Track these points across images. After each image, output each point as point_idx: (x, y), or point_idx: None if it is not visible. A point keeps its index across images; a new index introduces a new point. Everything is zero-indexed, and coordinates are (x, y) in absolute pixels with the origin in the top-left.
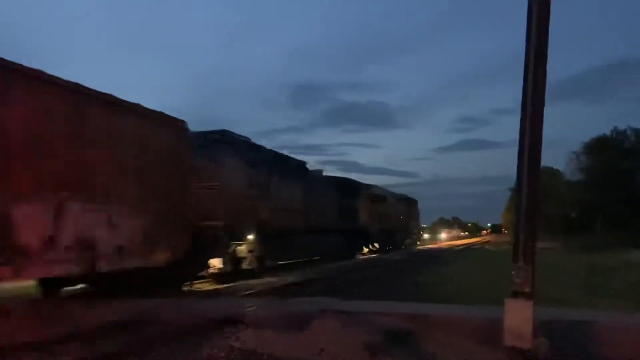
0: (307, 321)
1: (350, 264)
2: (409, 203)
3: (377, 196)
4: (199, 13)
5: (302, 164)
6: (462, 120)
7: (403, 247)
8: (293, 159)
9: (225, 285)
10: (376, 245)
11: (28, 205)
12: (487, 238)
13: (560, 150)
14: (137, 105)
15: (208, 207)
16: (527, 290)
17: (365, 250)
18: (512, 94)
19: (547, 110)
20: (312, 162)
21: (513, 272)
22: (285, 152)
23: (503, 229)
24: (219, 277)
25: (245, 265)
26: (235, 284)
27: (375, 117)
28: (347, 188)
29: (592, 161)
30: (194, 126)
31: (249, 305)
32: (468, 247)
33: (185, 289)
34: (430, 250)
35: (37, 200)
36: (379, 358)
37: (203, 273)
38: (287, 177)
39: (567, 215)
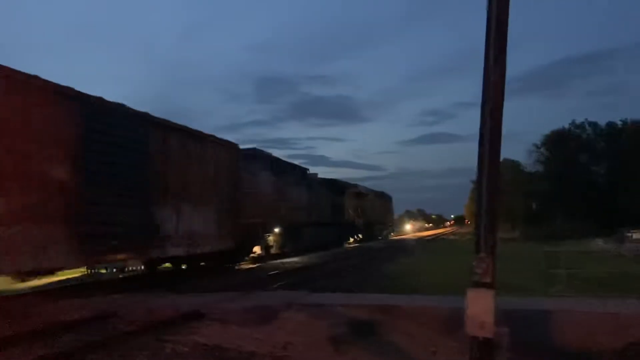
0: (273, 315)
1: (342, 251)
2: (385, 199)
3: (359, 194)
4: (160, 4)
5: (305, 170)
6: (426, 114)
7: (380, 237)
8: (299, 167)
9: (258, 264)
10: (360, 235)
11: (166, 209)
12: (451, 229)
13: (521, 142)
14: (212, 135)
15: (250, 208)
16: (488, 280)
17: (352, 240)
18: (475, 87)
19: (508, 104)
20: (279, 156)
21: (474, 263)
22: (252, 146)
23: (466, 221)
24: (255, 259)
25: (273, 251)
26: (265, 263)
27: (341, 111)
28: (335, 188)
29: (551, 154)
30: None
31: (215, 300)
32: (435, 237)
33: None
34: (403, 240)
35: (170, 205)
36: (343, 350)
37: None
38: (296, 182)
39: (528, 206)
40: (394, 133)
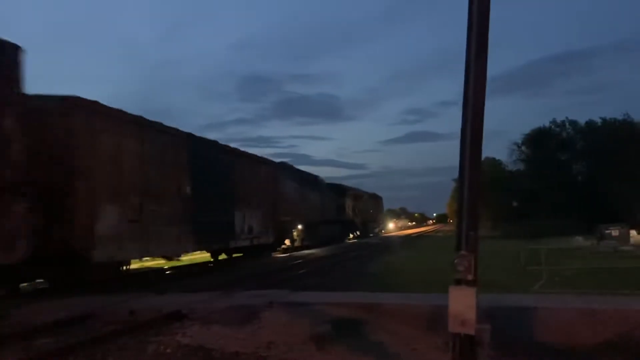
0: (255, 314)
1: (346, 245)
2: (377, 200)
3: (356, 196)
4: (141, 3)
5: (316, 177)
6: (409, 112)
7: (371, 234)
8: (312, 174)
9: (287, 254)
10: (358, 232)
11: (237, 214)
12: (434, 227)
13: (502, 141)
14: (262, 157)
15: (282, 210)
16: (470, 277)
17: (351, 236)
18: (456, 86)
19: (490, 103)
20: (262, 154)
21: (456, 261)
22: (234, 145)
23: (448, 219)
24: (284, 249)
25: (296, 244)
26: (291, 254)
27: (325, 109)
28: (338, 191)
29: (532, 152)
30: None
31: (197, 300)
32: (420, 235)
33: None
34: (393, 236)
35: (239, 210)
36: (326, 348)
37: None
38: (311, 188)
39: (508, 204)
40: (377, 132)
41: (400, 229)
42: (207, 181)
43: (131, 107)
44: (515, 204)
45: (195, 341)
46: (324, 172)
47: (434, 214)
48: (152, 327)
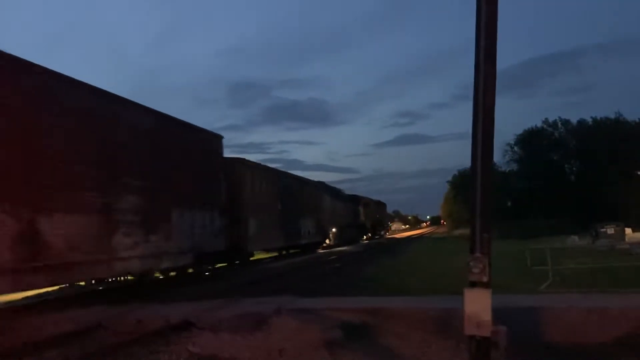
0: (264, 321)
1: (362, 244)
2: (382, 206)
3: (366, 203)
4: (131, 11)
5: (339, 189)
6: (400, 115)
7: (377, 237)
8: (336, 188)
9: (325, 250)
10: (369, 234)
11: (301, 221)
12: (429, 229)
13: (495, 142)
14: (309, 179)
15: (324, 217)
16: (484, 279)
17: (365, 237)
18: (447, 88)
19: None
20: (253, 160)
21: (470, 263)
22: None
23: (442, 221)
24: (324, 247)
25: (331, 243)
26: (326, 250)
27: (315, 114)
28: (354, 200)
29: (524, 152)
30: None
31: (203, 308)
32: (420, 236)
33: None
34: (396, 238)
35: (302, 218)
36: (338, 354)
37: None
38: (338, 198)
39: (503, 205)
40: (368, 135)
41: (395, 232)
42: (288, 201)
43: None
44: (509, 204)
45: (206, 350)
46: (315, 177)
47: (428, 217)
48: (162, 336)
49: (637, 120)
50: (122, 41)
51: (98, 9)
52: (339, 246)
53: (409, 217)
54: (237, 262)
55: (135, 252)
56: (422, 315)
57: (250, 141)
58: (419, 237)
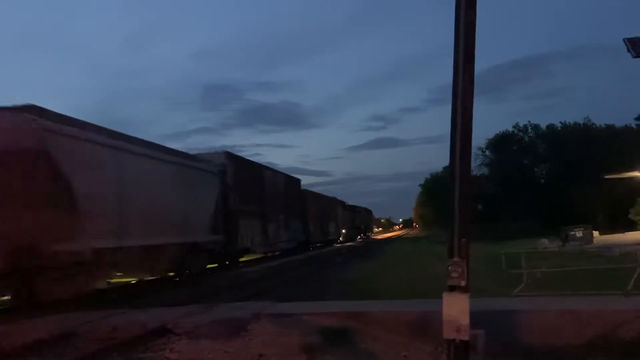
0: (242, 327)
1: (359, 241)
2: (370, 212)
3: (359, 211)
4: (101, 12)
5: (344, 201)
6: (373, 119)
7: (365, 236)
8: (343, 201)
9: (339, 245)
10: (362, 235)
11: (331, 225)
12: (402, 232)
13: None
14: (327, 195)
15: (338, 221)
16: (463, 284)
17: (359, 237)
18: (419, 93)
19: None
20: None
21: (449, 267)
22: (195, 152)
23: (414, 224)
24: (337, 242)
25: (343, 238)
26: (340, 245)
27: (289, 117)
28: (352, 208)
29: (495, 156)
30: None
31: (180, 314)
32: (397, 237)
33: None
34: (379, 239)
35: (329, 223)
36: (317, 359)
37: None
38: (343, 208)
39: (474, 208)
40: (341, 139)
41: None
42: (324, 212)
43: (94, 117)
44: (480, 207)
45: (184, 357)
46: None
47: (400, 220)
48: (139, 343)
49: (605, 125)
50: (93, 42)
51: (67, 8)
52: (345, 242)
53: (382, 220)
54: (310, 247)
55: (283, 240)
56: (400, 319)
57: (224, 144)
58: (398, 237)
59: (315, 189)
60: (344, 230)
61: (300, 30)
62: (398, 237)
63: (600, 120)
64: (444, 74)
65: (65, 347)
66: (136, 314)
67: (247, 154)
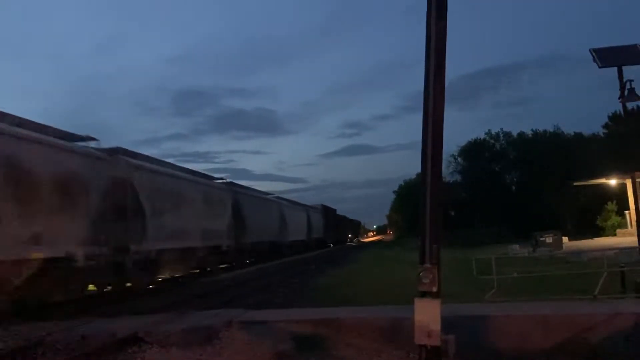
0: (214, 335)
1: (354, 244)
2: (358, 222)
3: (352, 220)
4: (72, 15)
5: (345, 215)
6: (347, 126)
7: (354, 242)
8: (334, 210)
9: (338, 246)
10: (355, 239)
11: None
12: (377, 238)
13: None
14: (336, 212)
15: (344, 230)
16: (434, 290)
17: (354, 240)
18: (392, 100)
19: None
20: (200, 170)
21: (420, 274)
22: (170, 159)
23: (388, 230)
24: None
25: (349, 242)
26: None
27: (263, 124)
28: (350, 220)
29: (467, 163)
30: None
31: (151, 323)
32: (377, 242)
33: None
34: (365, 242)
35: (336, 232)
36: None
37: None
38: (344, 219)
39: (446, 214)
40: (316, 145)
41: None
42: (338, 221)
43: (63, 122)
44: (452, 213)
45: None
46: (264, 187)
47: (374, 226)
48: (109, 352)
49: (574, 133)
50: (62, 47)
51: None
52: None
53: None
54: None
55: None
56: (372, 325)
57: (196, 150)
58: (378, 241)
59: (290, 196)
60: (350, 235)
61: (273, 36)
62: (377, 241)
63: (569, 128)
64: (416, 82)
65: (33, 358)
66: (106, 322)
67: (221, 160)
